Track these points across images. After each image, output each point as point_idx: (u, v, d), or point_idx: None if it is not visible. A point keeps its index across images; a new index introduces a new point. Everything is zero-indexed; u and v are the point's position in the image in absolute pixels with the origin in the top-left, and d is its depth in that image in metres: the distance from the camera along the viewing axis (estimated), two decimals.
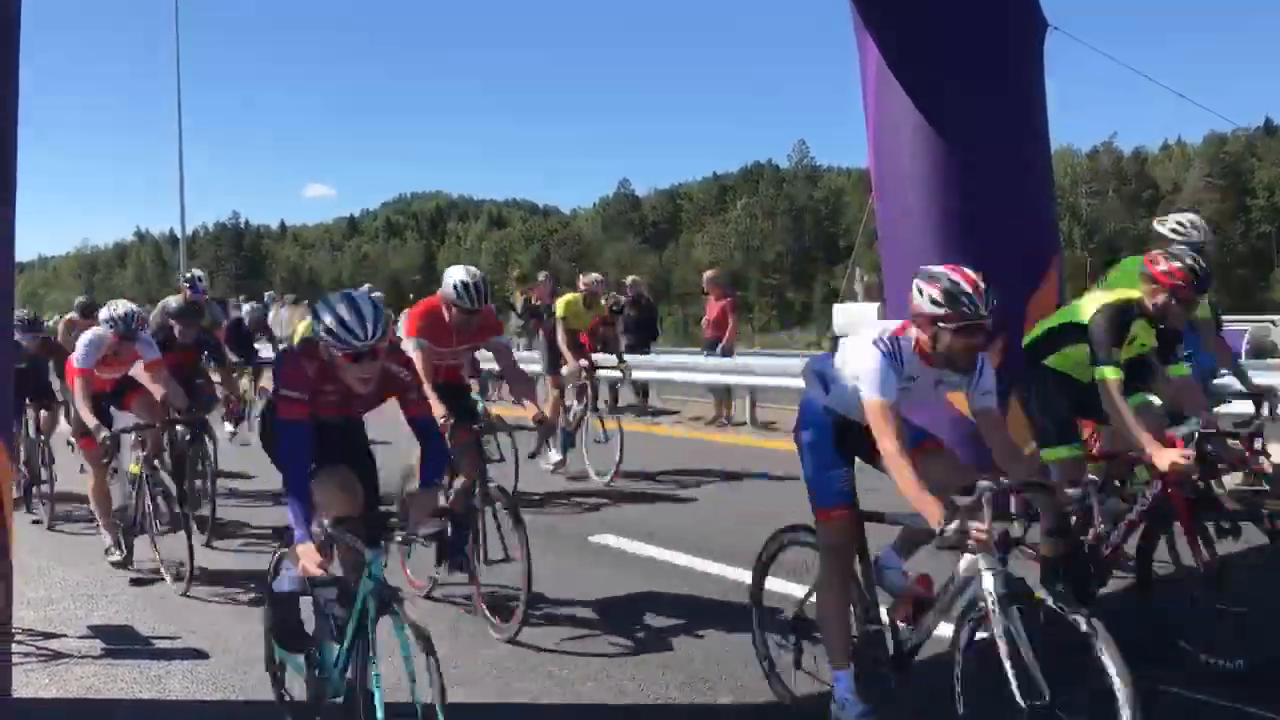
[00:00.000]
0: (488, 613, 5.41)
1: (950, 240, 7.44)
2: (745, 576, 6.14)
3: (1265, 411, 5.74)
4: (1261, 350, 15.16)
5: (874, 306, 8.97)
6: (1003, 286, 7.39)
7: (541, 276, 17.73)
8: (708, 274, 15.68)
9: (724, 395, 14.13)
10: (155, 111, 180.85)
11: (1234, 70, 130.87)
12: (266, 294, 30.68)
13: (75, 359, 6.81)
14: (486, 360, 9.70)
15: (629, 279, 17.10)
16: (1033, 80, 7.71)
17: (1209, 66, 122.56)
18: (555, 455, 10.08)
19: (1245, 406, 8.65)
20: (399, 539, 3.78)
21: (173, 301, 8.53)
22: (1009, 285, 7.38)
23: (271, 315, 26.62)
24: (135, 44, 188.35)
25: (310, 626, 4.03)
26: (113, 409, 7.11)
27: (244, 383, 11.75)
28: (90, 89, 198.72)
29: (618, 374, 10.93)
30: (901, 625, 3.99)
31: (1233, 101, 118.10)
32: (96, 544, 7.52)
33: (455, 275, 5.86)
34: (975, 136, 7.39)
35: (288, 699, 4.25)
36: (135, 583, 6.48)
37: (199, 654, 5.12)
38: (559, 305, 10.60)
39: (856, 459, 4.20)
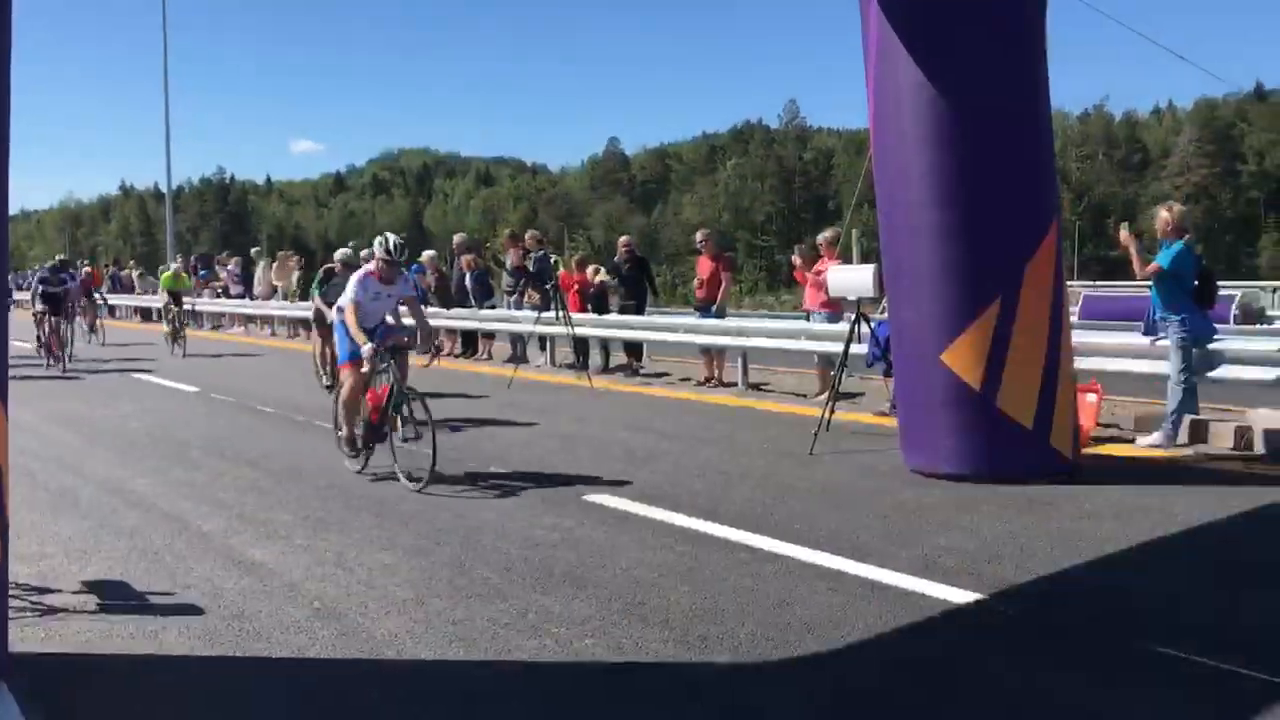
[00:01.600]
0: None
1: (950, 201, 7.42)
2: (743, 536, 6.21)
3: None
4: (1250, 316, 15.22)
5: (870, 268, 8.92)
6: (1002, 248, 7.44)
7: (530, 235, 17.68)
8: (700, 233, 15.63)
9: (715, 356, 14.13)
10: (141, 65, 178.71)
11: (1225, 35, 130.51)
12: (253, 249, 30.55)
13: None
14: None
15: (621, 240, 17.05)
16: (1036, 41, 7.67)
17: (1200, 31, 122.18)
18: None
19: (1239, 371, 8.73)
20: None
21: None
22: (1008, 247, 7.42)
23: (259, 271, 26.53)
24: None
25: None
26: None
27: None
28: (75, 41, 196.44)
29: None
30: None
31: (1223, 67, 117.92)
32: (88, 499, 7.51)
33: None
34: (977, 99, 7.36)
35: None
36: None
37: (194, 609, 5.10)
38: None
39: None
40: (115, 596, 5.34)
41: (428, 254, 20.20)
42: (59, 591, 5.40)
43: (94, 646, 4.65)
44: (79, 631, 4.82)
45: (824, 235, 12.70)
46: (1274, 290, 25.05)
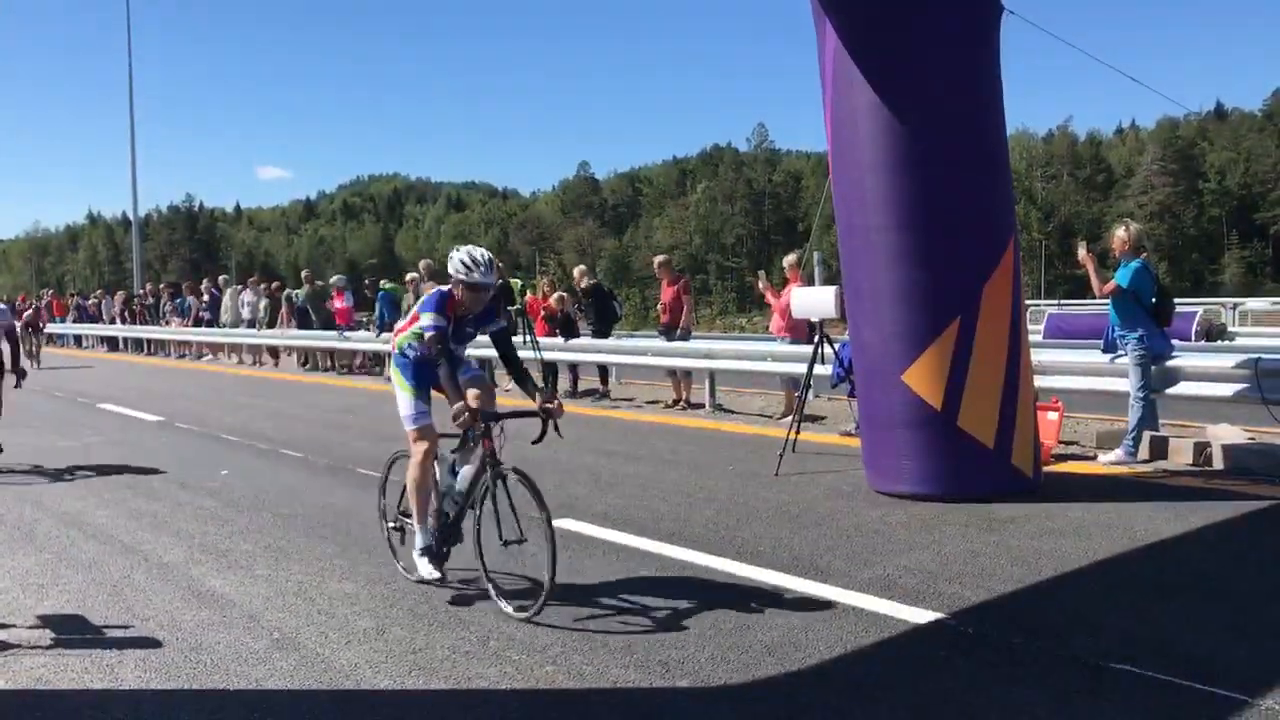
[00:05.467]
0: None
1: (907, 224, 7.49)
2: (707, 559, 6.21)
3: None
4: (1211, 333, 15.39)
5: (832, 290, 8.97)
6: (960, 269, 7.51)
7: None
8: (658, 259, 15.73)
9: (683, 379, 14.17)
10: (108, 93, 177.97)
11: (1186, 54, 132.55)
12: (221, 277, 30.36)
13: None
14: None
15: (578, 270, 17.36)
16: (989, 64, 7.76)
17: (1161, 50, 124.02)
18: None
19: (1198, 388, 8.82)
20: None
21: None
22: (966, 268, 7.48)
23: (227, 299, 26.35)
24: (88, 24, 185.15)
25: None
26: None
27: None
28: (42, 69, 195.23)
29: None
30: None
31: (1184, 85, 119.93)
32: (45, 532, 7.42)
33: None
34: (932, 122, 7.44)
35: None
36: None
37: (152, 642, 5.05)
38: None
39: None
40: (71, 630, 5.28)
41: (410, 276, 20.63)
42: (13, 626, 5.32)
43: (47, 682, 4.58)
44: (32, 667, 4.76)
45: (788, 260, 12.81)
46: (1235, 307, 25.39)
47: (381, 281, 21.34)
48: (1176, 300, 10.25)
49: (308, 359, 22.94)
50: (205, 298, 27.87)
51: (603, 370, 15.69)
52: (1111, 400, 9.60)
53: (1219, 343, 14.03)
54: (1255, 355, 8.72)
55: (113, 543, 7.09)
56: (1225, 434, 8.89)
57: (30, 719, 4.28)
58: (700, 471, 9.18)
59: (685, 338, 14.46)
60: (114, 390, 18.26)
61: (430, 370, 5.72)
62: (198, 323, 27.62)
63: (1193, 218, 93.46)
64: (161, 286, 34.42)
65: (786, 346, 12.46)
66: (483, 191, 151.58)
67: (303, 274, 25.66)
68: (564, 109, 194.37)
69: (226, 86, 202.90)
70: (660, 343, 14.77)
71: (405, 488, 5.82)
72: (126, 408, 15.60)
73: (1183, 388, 8.96)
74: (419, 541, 5.75)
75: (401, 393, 5.78)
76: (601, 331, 15.60)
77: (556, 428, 5.54)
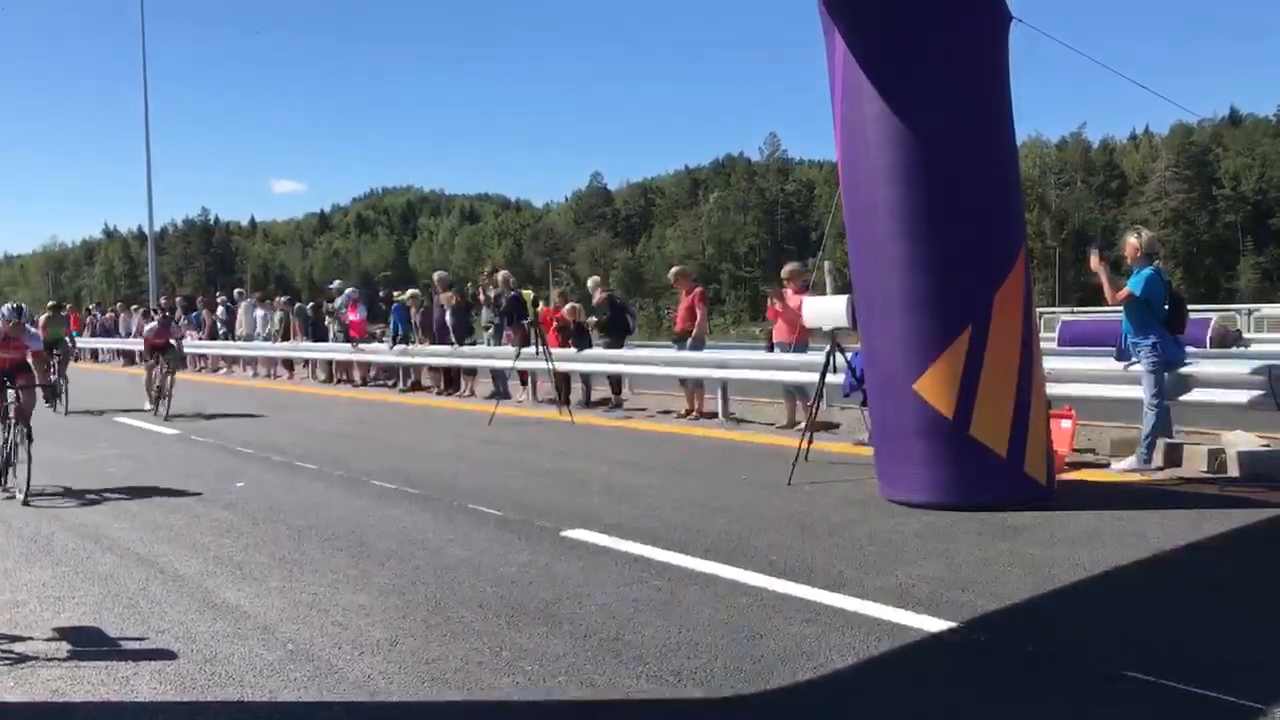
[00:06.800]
0: None
1: (917, 232, 7.49)
2: (719, 569, 6.21)
3: None
4: (1226, 340, 15.33)
5: (843, 299, 8.98)
6: (971, 277, 7.51)
7: (500, 275, 17.93)
8: (674, 268, 15.77)
9: (695, 389, 14.17)
10: (123, 107, 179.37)
11: (1200, 59, 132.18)
12: (235, 290, 30.49)
13: None
14: None
15: (591, 281, 17.45)
16: (997, 71, 7.76)
17: (1175, 56, 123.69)
18: None
19: (1212, 395, 8.78)
20: None
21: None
22: (977, 276, 7.48)
23: (242, 313, 26.49)
24: (104, 40, 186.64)
25: None
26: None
27: None
28: (59, 86, 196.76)
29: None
30: None
31: (1197, 91, 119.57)
32: (62, 545, 7.48)
33: None
34: (940, 131, 7.45)
35: None
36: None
37: (167, 654, 5.08)
38: None
39: None
40: (87, 643, 5.31)
41: (410, 292, 20.71)
42: (30, 639, 5.36)
43: (64, 694, 4.61)
44: (49, 679, 4.79)
45: (786, 270, 13.06)
46: (1250, 313, 25.26)
47: (395, 293, 21.57)
48: (1191, 307, 10.22)
49: (330, 372, 22.96)
50: (219, 310, 28.03)
51: (615, 380, 15.72)
52: (1125, 407, 9.57)
53: (1233, 349, 13.98)
54: (1270, 361, 8.68)
55: (129, 555, 7.13)
56: (1240, 441, 8.85)
57: None
58: (713, 481, 9.18)
59: (698, 347, 14.46)
60: (130, 403, 18.34)
61: None
62: (214, 335, 27.78)
63: (1207, 224, 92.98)
64: (177, 300, 34.59)
65: (797, 356, 12.45)
66: (496, 203, 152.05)
67: (334, 284, 25.72)
68: (576, 120, 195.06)
69: (240, 100, 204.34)
70: (673, 352, 14.79)
71: None
72: (143, 421, 15.69)
73: (1197, 394, 8.93)
74: None
75: None
76: (615, 343, 15.65)
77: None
